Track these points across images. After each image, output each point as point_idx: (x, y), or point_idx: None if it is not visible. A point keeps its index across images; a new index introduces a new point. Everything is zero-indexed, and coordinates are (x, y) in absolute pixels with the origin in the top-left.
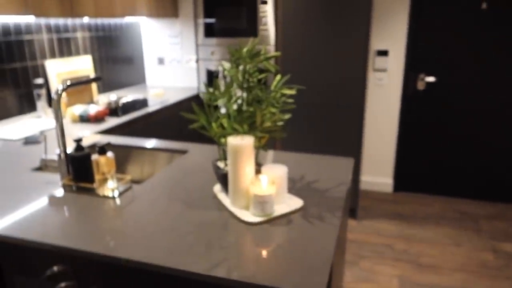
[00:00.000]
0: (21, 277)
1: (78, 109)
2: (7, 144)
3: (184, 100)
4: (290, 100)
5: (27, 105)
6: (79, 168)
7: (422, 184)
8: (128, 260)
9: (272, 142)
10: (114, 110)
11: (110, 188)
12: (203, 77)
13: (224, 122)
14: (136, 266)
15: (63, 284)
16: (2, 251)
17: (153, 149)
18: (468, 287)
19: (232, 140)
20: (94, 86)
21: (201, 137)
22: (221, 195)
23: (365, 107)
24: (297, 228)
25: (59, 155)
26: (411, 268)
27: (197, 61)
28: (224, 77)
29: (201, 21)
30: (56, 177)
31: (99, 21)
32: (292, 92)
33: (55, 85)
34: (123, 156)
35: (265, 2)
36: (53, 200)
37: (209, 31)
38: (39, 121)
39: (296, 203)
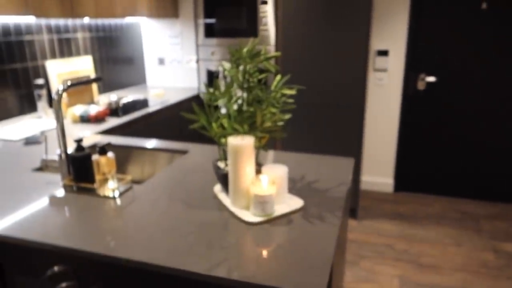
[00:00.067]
0: (22, 277)
1: (79, 109)
2: (7, 144)
3: (184, 100)
4: (290, 100)
5: (27, 106)
6: (79, 168)
7: (423, 184)
8: (129, 260)
9: (273, 142)
10: (114, 110)
11: (111, 188)
12: (204, 77)
13: (225, 122)
14: (136, 266)
15: (63, 284)
16: (3, 251)
17: (154, 149)
18: (468, 287)
19: (233, 140)
20: (94, 86)
21: (201, 137)
22: (222, 195)
23: (366, 107)
24: (298, 228)
25: (60, 156)
26: (411, 268)
27: (197, 61)
28: (225, 77)
29: (202, 21)
30: (56, 178)
31: (100, 21)
32: (292, 92)
33: (56, 85)
34: (124, 156)
35: (265, 2)
36: (53, 200)
37: (210, 32)
38: (39, 121)
39: (296, 203)
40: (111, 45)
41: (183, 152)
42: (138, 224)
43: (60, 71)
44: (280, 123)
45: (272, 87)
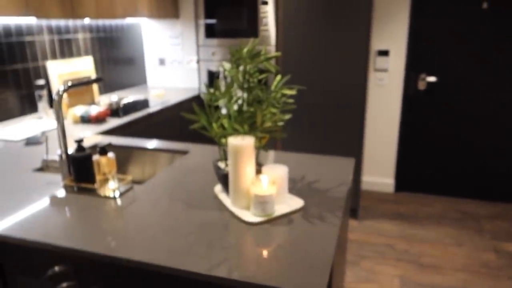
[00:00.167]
0: (23, 277)
1: (79, 110)
2: (8, 145)
3: (185, 100)
4: (291, 101)
5: (28, 106)
6: (80, 168)
7: (424, 184)
8: (129, 260)
9: (273, 142)
10: (115, 110)
11: (111, 188)
12: (204, 78)
13: (225, 122)
14: (137, 266)
15: (64, 284)
16: (4, 251)
17: (154, 150)
18: (469, 287)
19: (233, 141)
20: (95, 87)
21: (202, 137)
22: (222, 195)
23: (366, 107)
24: (298, 228)
25: (61, 156)
26: (412, 268)
27: (198, 61)
28: (225, 77)
29: (202, 21)
30: (57, 178)
31: (100, 22)
32: (292, 92)
33: (56, 86)
34: (124, 157)
35: (266, 3)
36: (54, 200)
37: (210, 32)
38: (40, 122)
39: (296, 203)
40: (111, 46)
41: (184, 152)
42: (138, 224)
43: (60, 71)
44: (280, 123)
45: (272, 87)
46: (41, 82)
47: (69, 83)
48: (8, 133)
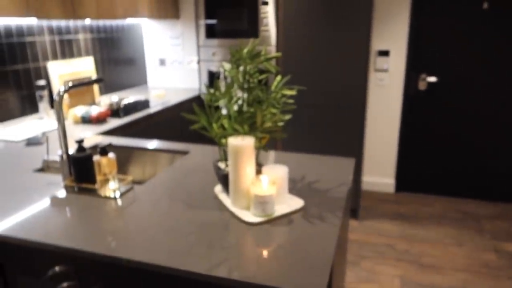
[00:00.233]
0: (23, 277)
1: (80, 110)
2: (9, 145)
3: (185, 101)
4: (291, 101)
5: (29, 107)
6: (81, 169)
7: (424, 184)
8: (130, 261)
9: (273, 142)
10: (115, 111)
11: (112, 189)
12: (205, 78)
13: (225, 122)
14: (137, 266)
15: (65, 284)
16: (5, 251)
17: (155, 150)
18: (469, 287)
19: (233, 141)
20: (96, 87)
21: (202, 138)
22: (222, 196)
23: (367, 108)
24: (298, 228)
25: (61, 156)
26: (412, 268)
27: (198, 62)
28: (225, 78)
29: (202, 22)
30: (58, 178)
31: (101, 22)
32: (292, 92)
33: (57, 86)
34: (125, 157)
35: (266, 3)
36: (55, 201)
37: (211, 32)
38: (41, 122)
39: (296, 203)
40: (112, 46)
41: (184, 152)
42: (139, 224)
43: (61, 72)
44: (280, 124)
45: (273, 88)
46: (42, 82)
47: (70, 84)
48: (9, 134)
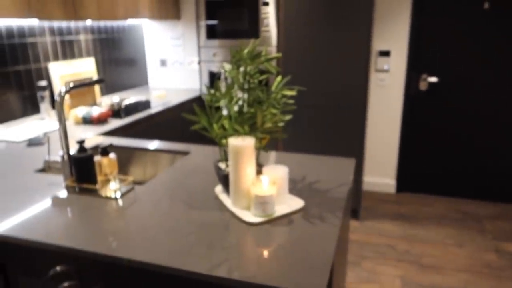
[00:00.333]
0: (24, 277)
1: (81, 111)
2: (10, 145)
3: (186, 101)
4: (291, 101)
5: (30, 107)
6: (82, 169)
7: (425, 185)
8: (130, 260)
9: (274, 143)
10: (116, 111)
11: (113, 189)
12: (205, 79)
13: (225, 123)
14: (138, 266)
15: (66, 284)
16: (6, 251)
17: (155, 151)
18: None
19: (233, 141)
20: (97, 88)
21: (203, 138)
22: (223, 196)
23: (367, 108)
24: (298, 229)
25: (62, 157)
26: (413, 268)
27: (199, 62)
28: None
29: (203, 23)
30: (59, 179)
31: (102, 23)
32: (292, 93)
33: (58, 87)
34: (126, 158)
35: (267, 4)
36: (56, 201)
37: (211, 33)
38: (42, 123)
39: (297, 203)
40: (113, 47)
41: (185, 153)
42: (139, 224)
43: (62, 73)
44: (281, 124)
45: (273, 88)
46: (43, 83)
47: (71, 84)
48: (10, 134)
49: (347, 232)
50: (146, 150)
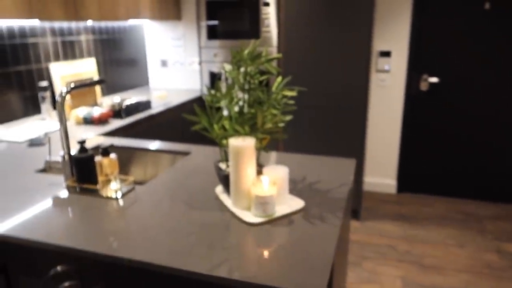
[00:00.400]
0: (25, 277)
1: (82, 111)
2: (12, 146)
3: (187, 102)
4: (291, 102)
5: (31, 108)
6: (82, 169)
7: (426, 185)
8: (131, 260)
9: (275, 143)
10: (117, 112)
11: (113, 189)
12: (206, 79)
13: (226, 123)
14: (138, 266)
15: (66, 284)
16: (8, 251)
17: (156, 151)
18: None
19: (234, 142)
20: (98, 88)
21: (203, 138)
22: (223, 196)
23: (368, 108)
24: (298, 229)
25: (63, 157)
26: (414, 269)
27: (200, 63)
28: (226, 79)
29: (204, 23)
30: (60, 179)
31: (103, 24)
32: (293, 93)
33: (60, 87)
34: (127, 158)
35: (268, 4)
36: (57, 201)
37: (212, 34)
38: (43, 123)
39: (297, 203)
40: (114, 48)
41: (185, 153)
42: (140, 224)
43: (63, 73)
44: (281, 125)
45: (273, 89)
46: (44, 83)
47: (72, 85)
48: (12, 134)
49: (347, 232)
50: (146, 150)
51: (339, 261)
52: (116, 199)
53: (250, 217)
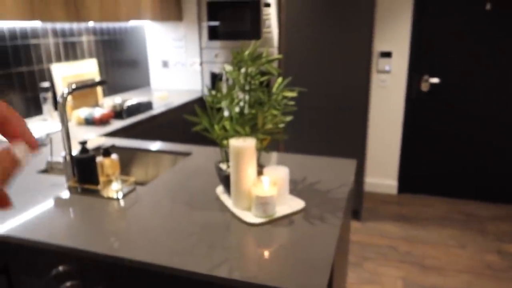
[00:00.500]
0: (27, 277)
1: (84, 112)
2: None
3: (188, 102)
4: (292, 103)
5: (33, 109)
6: (84, 170)
7: (427, 186)
8: (132, 261)
9: (276, 144)
10: (119, 113)
11: (115, 189)
12: (207, 80)
13: (227, 124)
14: (139, 266)
15: (68, 284)
16: (9, 251)
17: (157, 151)
18: None
19: (234, 142)
20: (99, 89)
21: (204, 139)
22: (224, 197)
23: (369, 109)
24: (299, 229)
25: (65, 158)
26: (415, 269)
27: (201, 64)
28: (227, 79)
29: (205, 24)
30: (61, 179)
31: (104, 25)
32: (293, 94)
33: (61, 88)
34: (128, 158)
35: (268, 5)
36: (58, 201)
37: (213, 34)
38: (45, 124)
39: (297, 204)
40: (115, 48)
41: (186, 154)
42: (141, 225)
43: (65, 74)
44: (282, 125)
45: (274, 90)
46: (46, 84)
47: (74, 86)
48: None
49: (348, 233)
50: (148, 151)
51: (339, 262)
52: (117, 199)
53: (251, 217)
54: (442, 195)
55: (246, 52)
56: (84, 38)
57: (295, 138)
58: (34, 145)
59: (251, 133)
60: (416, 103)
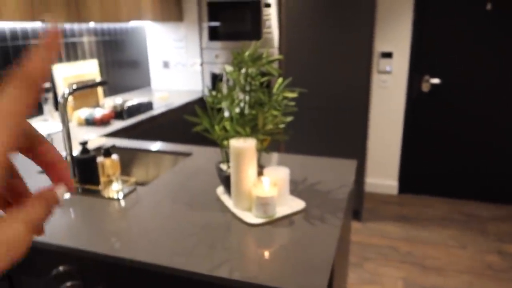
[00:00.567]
0: (28, 277)
1: (84, 112)
2: None
3: (188, 103)
4: (292, 103)
5: (34, 109)
6: (84, 170)
7: (427, 186)
8: (133, 261)
9: (277, 144)
10: (119, 113)
11: (115, 190)
12: (208, 80)
13: (227, 124)
14: (140, 266)
15: (68, 284)
16: None
17: (158, 152)
18: None
19: (235, 143)
20: (100, 89)
21: (205, 139)
22: (224, 197)
23: (370, 109)
24: (299, 230)
25: (65, 158)
26: (416, 270)
27: (201, 64)
28: (227, 80)
29: (206, 24)
30: None
31: (105, 25)
32: (294, 95)
33: (62, 89)
34: (128, 159)
35: (269, 5)
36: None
37: (214, 35)
38: (46, 124)
39: (298, 204)
40: (116, 49)
41: (187, 154)
42: (142, 225)
43: (66, 74)
44: (282, 126)
45: (274, 90)
46: (46, 85)
47: (74, 86)
48: None
49: (348, 233)
50: (148, 151)
51: (339, 262)
52: (118, 200)
53: (251, 218)
54: (442, 196)
55: (247, 53)
56: (85, 39)
57: (296, 138)
58: (71, 187)
59: (252, 133)
60: (416, 103)
